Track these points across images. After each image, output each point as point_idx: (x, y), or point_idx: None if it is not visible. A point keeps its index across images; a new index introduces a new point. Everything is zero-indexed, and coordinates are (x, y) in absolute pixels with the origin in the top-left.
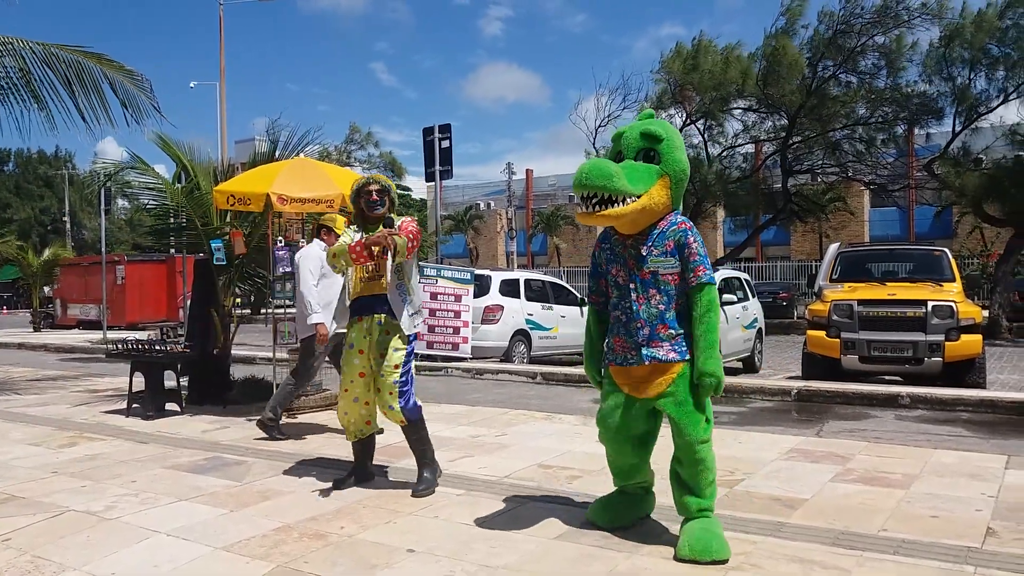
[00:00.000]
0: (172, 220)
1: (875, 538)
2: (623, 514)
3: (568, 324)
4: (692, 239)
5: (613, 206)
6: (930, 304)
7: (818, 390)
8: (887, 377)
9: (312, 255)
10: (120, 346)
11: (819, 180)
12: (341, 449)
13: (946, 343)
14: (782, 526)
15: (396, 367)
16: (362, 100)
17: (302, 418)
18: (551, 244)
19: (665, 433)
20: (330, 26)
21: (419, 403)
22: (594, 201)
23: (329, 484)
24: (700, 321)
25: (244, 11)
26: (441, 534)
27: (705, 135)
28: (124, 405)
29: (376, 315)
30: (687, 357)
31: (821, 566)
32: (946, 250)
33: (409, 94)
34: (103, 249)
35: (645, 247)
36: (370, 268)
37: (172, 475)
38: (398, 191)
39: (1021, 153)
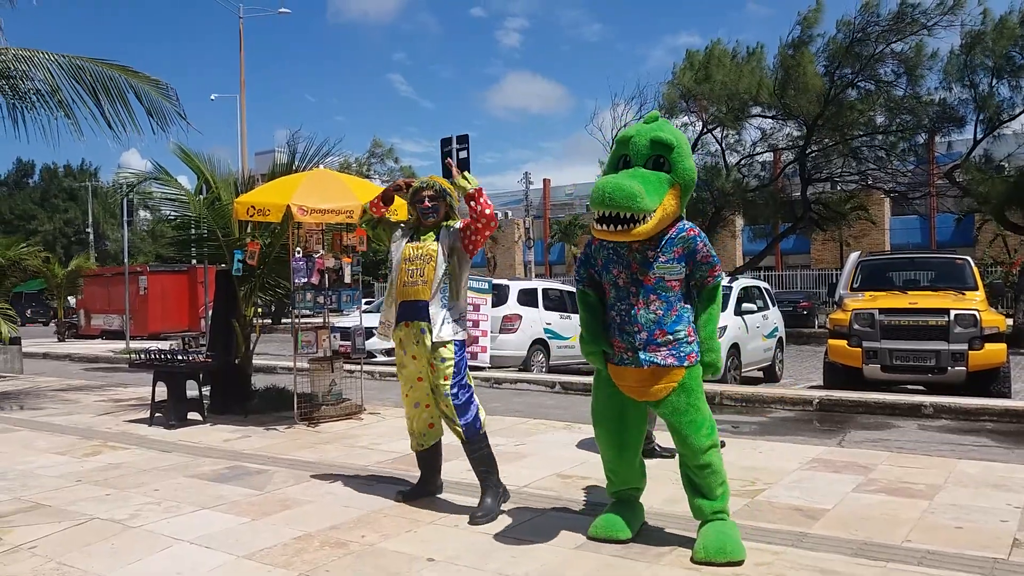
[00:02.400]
0: (193, 231)
1: (898, 549)
2: (628, 525)
3: None
4: (702, 244)
5: (635, 224)
6: (952, 313)
7: (840, 400)
8: (909, 387)
9: None
10: (143, 356)
11: (839, 188)
12: (360, 458)
13: (969, 352)
14: (804, 536)
15: (446, 378)
16: (379, 111)
17: (323, 427)
18: (569, 253)
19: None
20: (349, 38)
21: (481, 418)
22: (616, 219)
23: (349, 492)
24: (704, 312)
25: (264, 24)
26: (461, 544)
27: (723, 144)
28: (147, 414)
29: (419, 322)
30: (686, 363)
31: None
32: (968, 258)
33: (426, 104)
34: (126, 260)
35: (652, 252)
36: (413, 272)
37: (194, 484)
38: None
39: None
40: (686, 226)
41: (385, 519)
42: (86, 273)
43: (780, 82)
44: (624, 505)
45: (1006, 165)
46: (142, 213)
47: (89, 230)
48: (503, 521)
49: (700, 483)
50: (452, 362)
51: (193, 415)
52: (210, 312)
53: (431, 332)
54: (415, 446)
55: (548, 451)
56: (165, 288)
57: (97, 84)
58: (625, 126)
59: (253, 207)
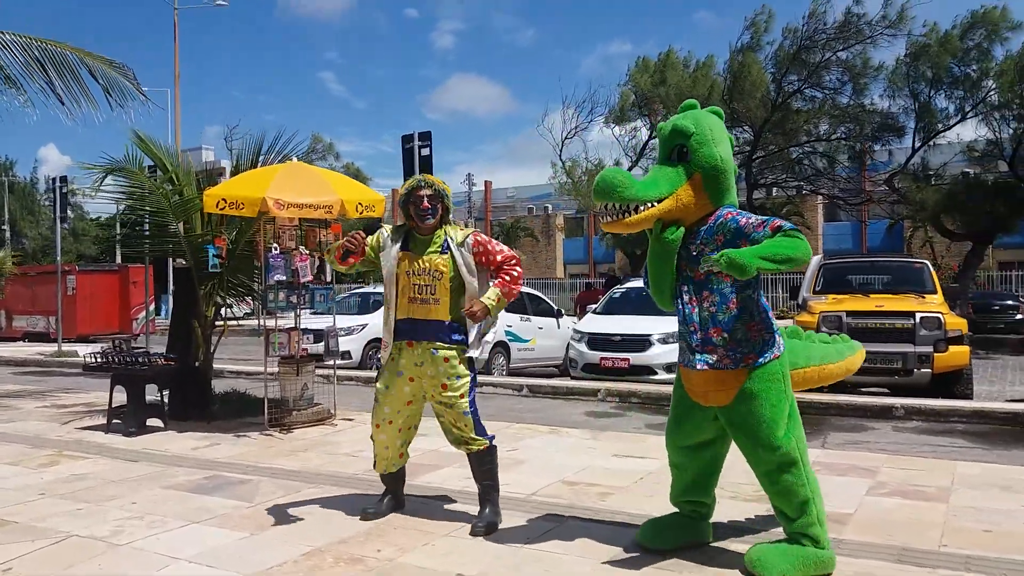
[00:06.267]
0: (142, 226)
1: (939, 554)
2: (669, 536)
3: (545, 336)
4: (743, 219)
5: (627, 215)
6: (918, 315)
7: (812, 401)
8: (871, 389)
9: None
10: (98, 359)
11: (780, 194)
12: (346, 466)
13: (935, 354)
14: (840, 543)
15: (463, 396)
16: (311, 109)
17: (295, 433)
18: None
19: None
20: (282, 36)
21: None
22: (609, 210)
23: (346, 503)
24: (772, 239)
25: (195, 18)
26: (487, 556)
27: None
28: (98, 421)
29: (429, 343)
30: (743, 365)
31: None
32: (926, 262)
33: (358, 104)
34: (59, 258)
35: (695, 246)
36: (422, 289)
37: (175, 496)
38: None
39: (973, 171)
40: (722, 212)
41: (395, 532)
42: (8, 274)
43: (729, 87)
44: (680, 519)
45: (942, 173)
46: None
47: (5, 227)
48: (524, 531)
49: (773, 502)
50: (468, 378)
51: (152, 421)
52: (143, 314)
53: (448, 348)
54: (383, 469)
55: (543, 456)
56: (95, 288)
57: (46, 58)
58: (577, 127)
59: (224, 200)
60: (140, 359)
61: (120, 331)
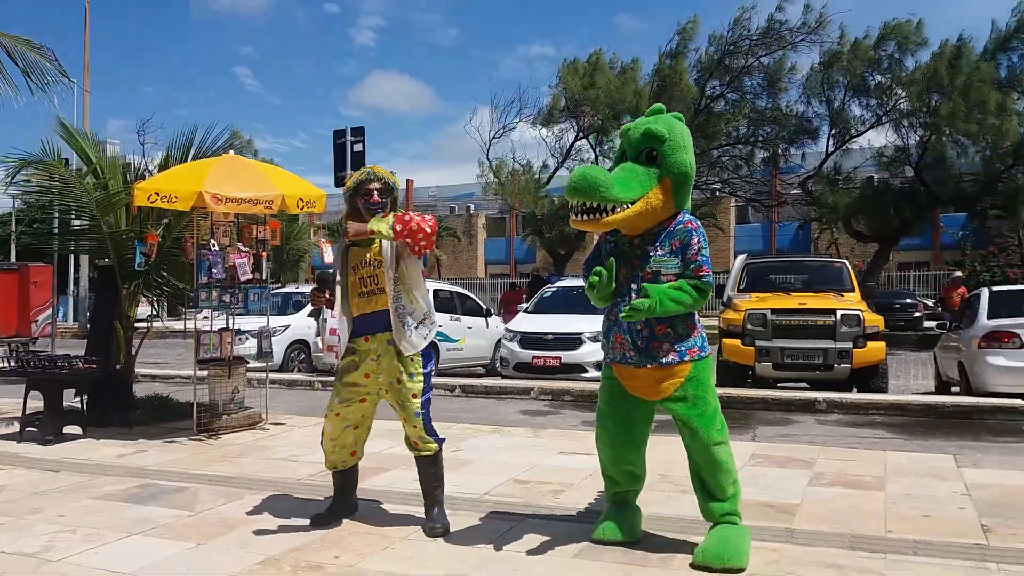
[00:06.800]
0: (80, 222)
1: (888, 540)
2: (627, 529)
3: (474, 335)
4: (696, 239)
5: (604, 215)
6: (839, 313)
7: (738, 396)
8: (790, 384)
9: None
10: (12, 363)
11: (698, 196)
12: (287, 471)
13: (854, 350)
14: (792, 532)
15: (415, 396)
16: (223, 105)
17: (225, 438)
18: (431, 255)
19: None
20: (196, 30)
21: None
22: (584, 209)
23: (293, 509)
24: (676, 288)
25: (100, 5)
26: (450, 558)
27: (596, 150)
28: (5, 429)
29: (384, 334)
30: (687, 358)
31: (855, 570)
32: (845, 262)
33: (272, 99)
34: None
35: (652, 247)
36: (367, 281)
37: (106, 507)
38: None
39: (883, 175)
40: (684, 218)
41: (351, 537)
42: None
43: (656, 91)
44: (624, 507)
45: (853, 177)
46: None
47: None
48: (483, 532)
49: (710, 481)
50: (421, 376)
51: (69, 428)
52: (44, 315)
53: (397, 343)
54: (331, 466)
55: (489, 456)
56: None
57: None
58: (504, 127)
59: (157, 193)
60: (60, 362)
61: (18, 333)
